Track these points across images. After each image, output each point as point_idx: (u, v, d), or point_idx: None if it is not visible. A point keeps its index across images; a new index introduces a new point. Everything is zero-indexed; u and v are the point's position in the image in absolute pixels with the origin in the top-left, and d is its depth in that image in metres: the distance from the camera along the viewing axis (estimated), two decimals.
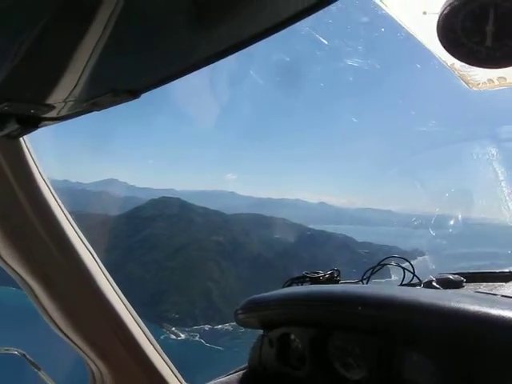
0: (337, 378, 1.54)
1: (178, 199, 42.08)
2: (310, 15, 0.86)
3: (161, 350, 1.92)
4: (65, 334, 1.75)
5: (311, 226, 40.93)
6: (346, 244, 34.91)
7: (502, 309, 1.15)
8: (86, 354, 1.81)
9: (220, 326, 31.56)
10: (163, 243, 36.50)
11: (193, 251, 36.27)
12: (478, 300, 1.26)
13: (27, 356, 1.80)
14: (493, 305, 1.18)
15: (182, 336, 29.63)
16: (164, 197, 43.38)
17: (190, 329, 30.34)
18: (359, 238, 36.53)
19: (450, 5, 0.93)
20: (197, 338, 29.14)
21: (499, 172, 3.12)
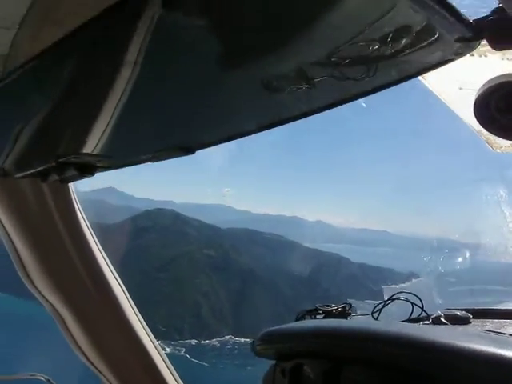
0: None
1: (173, 211, 42.03)
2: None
3: (176, 375, 2.01)
4: (87, 358, 1.85)
5: (306, 244, 40.93)
6: (338, 264, 34.90)
7: None
8: (106, 379, 1.90)
9: (207, 342, 31.19)
10: (154, 255, 36.34)
11: (183, 264, 36.06)
12: (490, 341, 1.33)
13: (52, 381, 1.88)
14: (504, 346, 1.26)
15: (168, 350, 29.15)
16: (158, 208, 43.35)
17: (176, 343, 29.99)
18: (354, 259, 36.61)
19: (487, 86, 1.08)
20: (182, 353, 28.82)
21: (507, 213, 3.25)
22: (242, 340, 30.31)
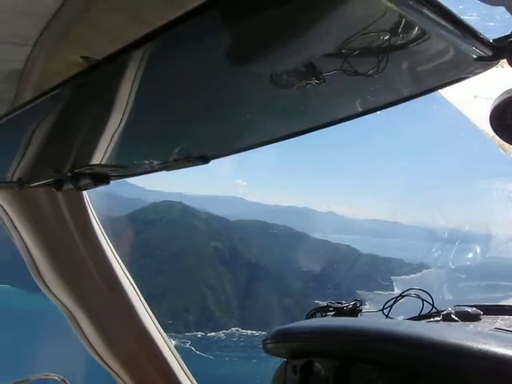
0: None
1: (181, 203, 42.13)
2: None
3: (190, 374, 2.08)
4: (101, 358, 1.93)
5: (316, 235, 40.87)
6: (348, 255, 34.84)
7: None
8: (120, 378, 1.98)
9: (213, 334, 31.40)
10: (159, 248, 36.56)
11: (190, 257, 36.22)
12: (502, 341, 1.34)
13: (67, 381, 1.94)
14: None
15: (173, 342, 29.23)
16: (166, 200, 43.48)
17: (181, 335, 30.24)
18: (364, 250, 36.57)
19: (504, 97, 1.11)
20: (187, 345, 29.07)
21: None
22: (249, 332, 30.56)
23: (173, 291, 33.39)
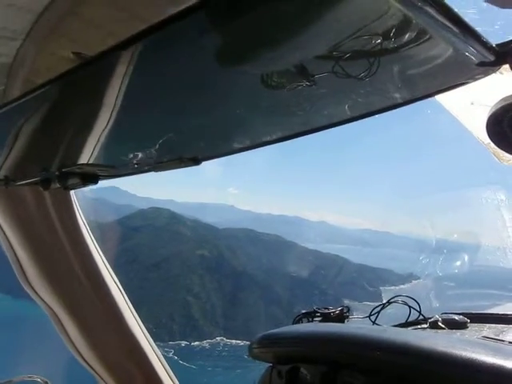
0: None
1: (168, 210, 42.22)
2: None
3: (175, 379, 2.07)
4: (85, 360, 1.91)
5: (305, 245, 41.03)
6: (337, 265, 34.93)
7: None
8: (104, 381, 1.96)
9: (197, 343, 31.25)
10: (144, 255, 36.34)
11: (176, 264, 36.05)
12: (489, 349, 1.34)
13: (49, 383, 1.92)
14: (501, 355, 1.28)
15: None
16: (153, 207, 43.49)
17: (165, 344, 29.97)
18: (355, 260, 36.71)
19: (501, 104, 1.13)
20: (171, 355, 28.82)
21: (507, 218, 3.31)
22: (234, 342, 30.38)
23: (157, 299, 33.14)
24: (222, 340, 31.35)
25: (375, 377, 1.56)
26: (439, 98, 1.19)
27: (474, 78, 0.89)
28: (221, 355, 29.28)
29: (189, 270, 35.98)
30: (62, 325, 1.86)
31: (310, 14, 0.63)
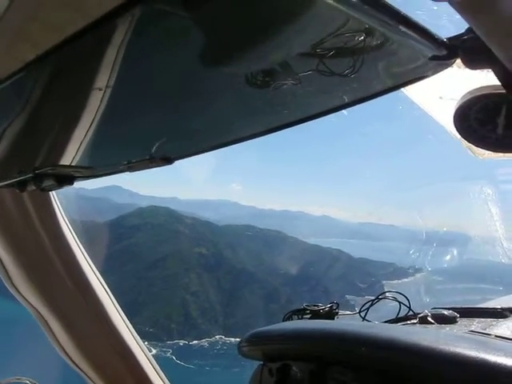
0: None
1: (167, 208, 42.15)
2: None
3: (164, 377, 2.10)
4: (74, 362, 1.94)
5: (307, 240, 41.02)
6: (339, 260, 34.97)
7: (497, 355, 1.26)
8: (93, 382, 1.98)
9: (195, 342, 31.31)
10: (142, 254, 36.34)
11: (173, 263, 36.05)
12: (474, 343, 1.37)
13: None
14: (487, 349, 1.30)
15: (154, 351, 29.07)
16: (152, 205, 43.44)
17: (163, 344, 29.97)
18: (357, 253, 36.80)
19: (466, 98, 1.15)
20: (168, 355, 28.80)
21: (494, 212, 3.35)
22: (233, 340, 30.44)
23: (155, 298, 33.20)
24: (221, 338, 31.44)
25: (364, 373, 1.58)
26: (410, 94, 1.22)
27: (431, 72, 0.92)
28: (219, 354, 29.36)
29: (187, 269, 35.99)
30: (47, 325, 1.89)
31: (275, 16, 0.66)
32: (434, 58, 0.84)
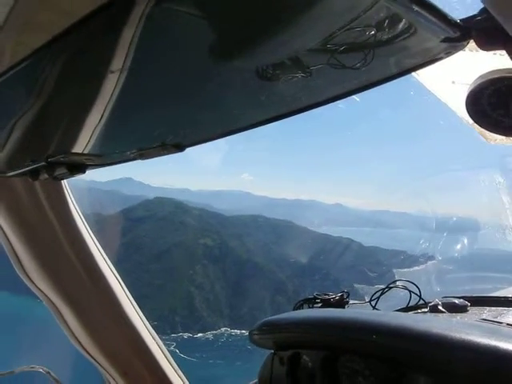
0: None
1: (173, 199, 42.25)
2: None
3: (176, 366, 2.17)
4: (87, 351, 1.99)
5: (316, 229, 40.84)
6: (349, 249, 34.93)
7: (509, 342, 1.29)
8: (105, 370, 2.04)
9: (200, 335, 31.48)
10: (148, 246, 36.50)
11: (179, 255, 36.21)
12: (485, 331, 1.41)
13: (51, 373, 2.02)
14: (498, 337, 1.34)
15: None
16: (158, 197, 43.51)
17: (167, 337, 30.09)
18: (368, 242, 36.56)
19: (479, 82, 1.16)
20: (172, 348, 29.03)
21: (505, 201, 3.35)
22: (238, 332, 30.66)
23: (159, 291, 33.37)
24: (227, 330, 31.61)
25: (375, 361, 1.62)
26: (422, 79, 1.24)
27: (444, 54, 0.92)
28: (224, 346, 29.54)
29: (192, 260, 36.12)
30: (60, 314, 1.94)
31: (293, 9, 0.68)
32: (446, 39, 0.85)
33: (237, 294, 35.24)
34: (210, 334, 31.50)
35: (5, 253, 1.83)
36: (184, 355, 27.61)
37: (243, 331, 29.70)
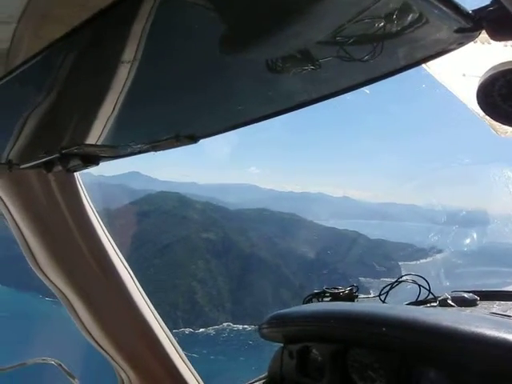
0: None
1: (178, 194, 42.20)
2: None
3: (187, 360, 2.21)
4: (97, 343, 2.03)
5: (322, 222, 40.69)
6: (356, 242, 34.89)
7: None
8: (117, 363, 2.08)
9: (202, 330, 31.60)
10: (150, 241, 36.58)
11: (181, 249, 36.27)
12: (495, 324, 1.44)
13: (63, 365, 2.07)
14: (510, 330, 1.36)
15: None
16: (162, 191, 43.63)
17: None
18: (376, 235, 36.12)
19: (490, 74, 1.19)
20: None
21: None
22: (240, 327, 30.77)
23: (160, 286, 33.49)
24: (229, 326, 31.67)
25: (385, 354, 1.66)
26: (432, 71, 1.26)
27: (455, 45, 0.93)
28: (226, 342, 29.58)
29: (194, 255, 36.18)
30: (72, 307, 1.98)
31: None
32: (458, 30, 0.86)
33: (239, 288, 35.32)
34: (211, 330, 31.56)
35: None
36: (186, 352, 27.70)
37: (245, 326, 29.83)
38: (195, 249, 36.78)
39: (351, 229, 38.43)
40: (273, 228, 40.66)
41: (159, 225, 38.16)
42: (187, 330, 31.33)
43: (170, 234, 37.57)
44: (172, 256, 35.89)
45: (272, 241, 39.51)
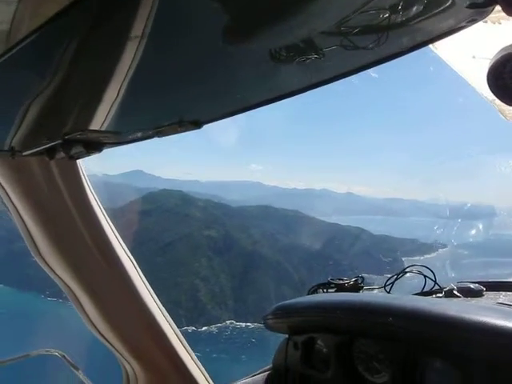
0: (360, 381, 1.75)
1: (180, 191, 42.55)
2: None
3: (191, 352, 2.21)
4: (102, 335, 2.03)
5: (325, 218, 40.78)
6: (359, 239, 34.90)
7: None
8: (121, 355, 2.08)
9: (205, 328, 31.67)
10: (152, 239, 36.72)
11: (183, 247, 36.40)
12: (502, 314, 1.44)
13: (66, 357, 2.08)
14: None
15: None
16: (164, 189, 43.88)
17: None
18: (380, 231, 36.47)
19: (501, 55, 1.16)
20: None
21: None
22: (243, 325, 30.87)
23: (163, 284, 33.58)
24: (232, 323, 31.78)
25: (390, 344, 1.67)
26: (441, 53, 1.24)
27: (467, 21, 0.90)
28: (229, 340, 29.72)
29: (196, 253, 36.29)
30: (76, 298, 1.97)
31: None
32: (471, 5, 0.83)
33: (241, 286, 35.40)
34: (214, 328, 31.65)
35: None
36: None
37: (249, 324, 29.93)
38: (198, 247, 36.89)
39: (355, 225, 38.43)
40: (275, 225, 40.74)
41: (161, 223, 38.30)
42: (190, 329, 31.46)
43: (172, 232, 37.70)
44: (174, 254, 36.02)
45: (274, 238, 39.58)
